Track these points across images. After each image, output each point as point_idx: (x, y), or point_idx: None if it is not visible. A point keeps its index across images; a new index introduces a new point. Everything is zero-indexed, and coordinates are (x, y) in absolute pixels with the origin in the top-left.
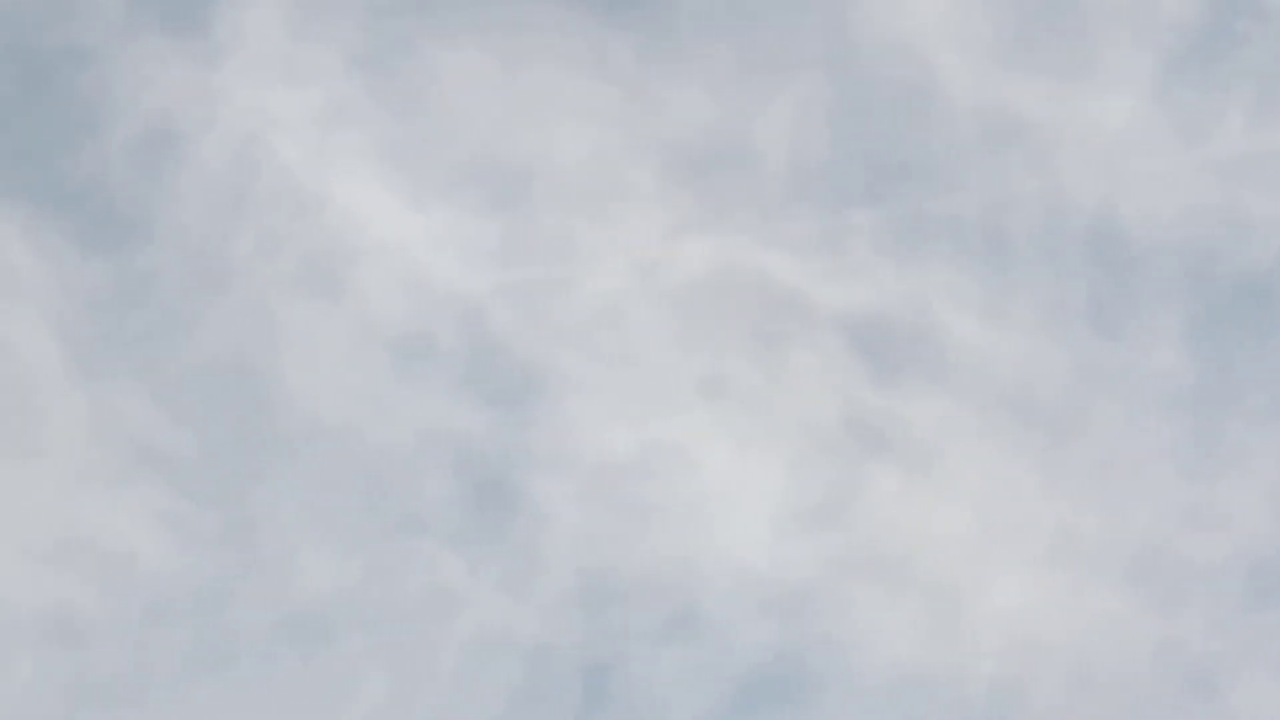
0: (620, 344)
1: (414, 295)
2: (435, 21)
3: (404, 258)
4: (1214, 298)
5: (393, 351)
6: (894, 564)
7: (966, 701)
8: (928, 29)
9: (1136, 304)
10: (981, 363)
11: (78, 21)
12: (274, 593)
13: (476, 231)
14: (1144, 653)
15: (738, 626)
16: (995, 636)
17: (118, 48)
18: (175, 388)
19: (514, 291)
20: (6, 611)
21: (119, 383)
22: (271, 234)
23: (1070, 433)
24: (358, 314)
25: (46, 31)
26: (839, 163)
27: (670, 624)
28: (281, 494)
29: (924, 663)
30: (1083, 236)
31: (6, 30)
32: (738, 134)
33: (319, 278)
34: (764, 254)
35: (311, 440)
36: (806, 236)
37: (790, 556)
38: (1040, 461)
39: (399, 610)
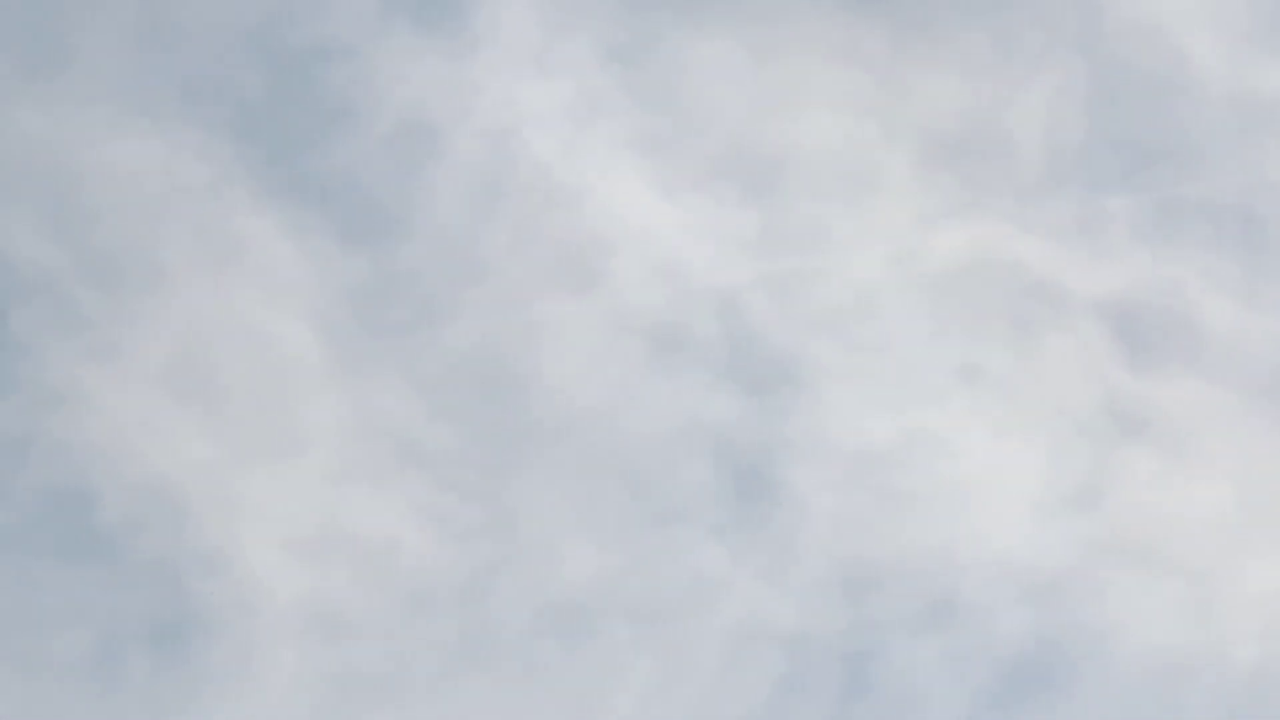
0: (876, 332)
1: (669, 286)
2: (687, 12)
3: (658, 249)
4: None
5: (649, 342)
6: (1151, 549)
7: (1225, 687)
8: (1181, 13)
9: None
10: (1238, 346)
11: (332, 18)
12: (535, 584)
13: (731, 221)
14: None
15: (995, 614)
16: (1254, 620)
17: (372, 43)
18: (433, 381)
19: (769, 281)
20: (270, 606)
21: (378, 377)
22: (527, 227)
23: None
24: (613, 306)
25: (301, 28)
26: (1094, 148)
27: (928, 612)
28: (541, 485)
29: (1182, 648)
30: None
31: (262, 28)
32: (992, 120)
33: (574, 270)
34: (1019, 240)
35: (569, 432)
36: (1062, 223)
37: (1048, 543)
38: None
39: (659, 600)
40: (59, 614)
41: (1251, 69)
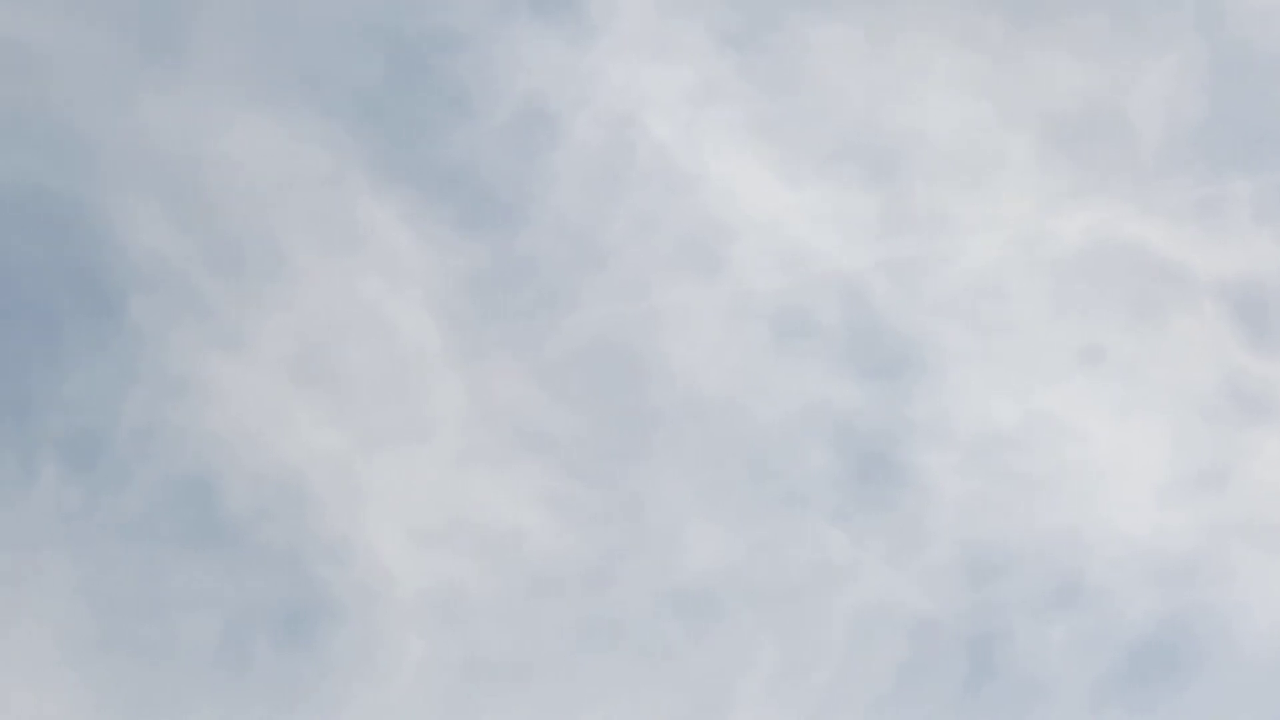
0: (999, 315)
1: (791, 271)
2: None
3: (780, 234)
4: None
5: (771, 327)
6: (1278, 530)
7: None
8: None
9: None
10: None
11: (451, 6)
12: (660, 569)
13: (852, 206)
14: None
15: (1121, 597)
16: None
17: (491, 31)
18: (556, 367)
19: (891, 265)
20: (396, 592)
21: (500, 363)
22: (647, 213)
23: None
24: (735, 291)
25: (420, 17)
26: (1215, 130)
27: (1054, 595)
28: (664, 471)
29: None
30: None
31: (380, 17)
32: (1112, 102)
33: (696, 256)
34: (1141, 222)
35: (693, 417)
36: (1183, 204)
37: (1173, 525)
38: None
39: (784, 585)
40: (186, 602)
41: None
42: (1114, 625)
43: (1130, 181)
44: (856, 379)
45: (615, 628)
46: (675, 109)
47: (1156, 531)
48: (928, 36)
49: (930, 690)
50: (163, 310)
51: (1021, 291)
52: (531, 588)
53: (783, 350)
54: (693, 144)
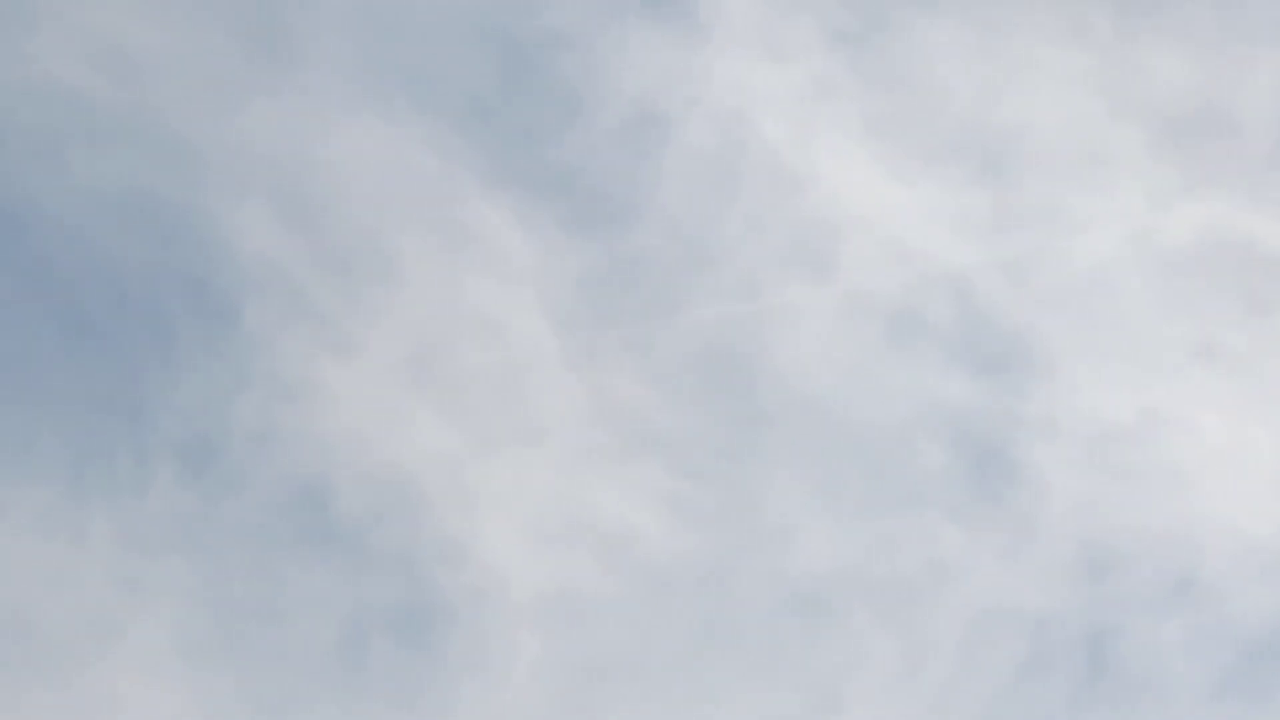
0: (1111, 311)
1: (902, 269)
2: None
3: (891, 232)
4: None
5: (883, 325)
6: None
7: None
8: None
9: None
10: None
11: (561, 7)
12: (774, 568)
13: (963, 203)
14: None
15: (1238, 592)
16: None
17: (600, 31)
18: (668, 367)
19: (1002, 261)
20: (513, 592)
21: (612, 364)
22: (758, 212)
23: None
24: (846, 290)
25: (529, 18)
26: None
27: (1170, 591)
28: (778, 470)
29: None
30: None
31: (490, 18)
32: (1221, 98)
33: (807, 255)
34: (1252, 218)
35: (806, 416)
36: None
37: None
38: None
39: (899, 583)
40: (301, 605)
41: None
42: (1230, 622)
43: (1241, 176)
44: (969, 376)
45: (730, 627)
46: (786, 108)
47: (1272, 527)
48: (1037, 33)
49: (1045, 688)
50: (275, 315)
51: (1133, 287)
52: (646, 588)
53: (895, 348)
54: (803, 143)
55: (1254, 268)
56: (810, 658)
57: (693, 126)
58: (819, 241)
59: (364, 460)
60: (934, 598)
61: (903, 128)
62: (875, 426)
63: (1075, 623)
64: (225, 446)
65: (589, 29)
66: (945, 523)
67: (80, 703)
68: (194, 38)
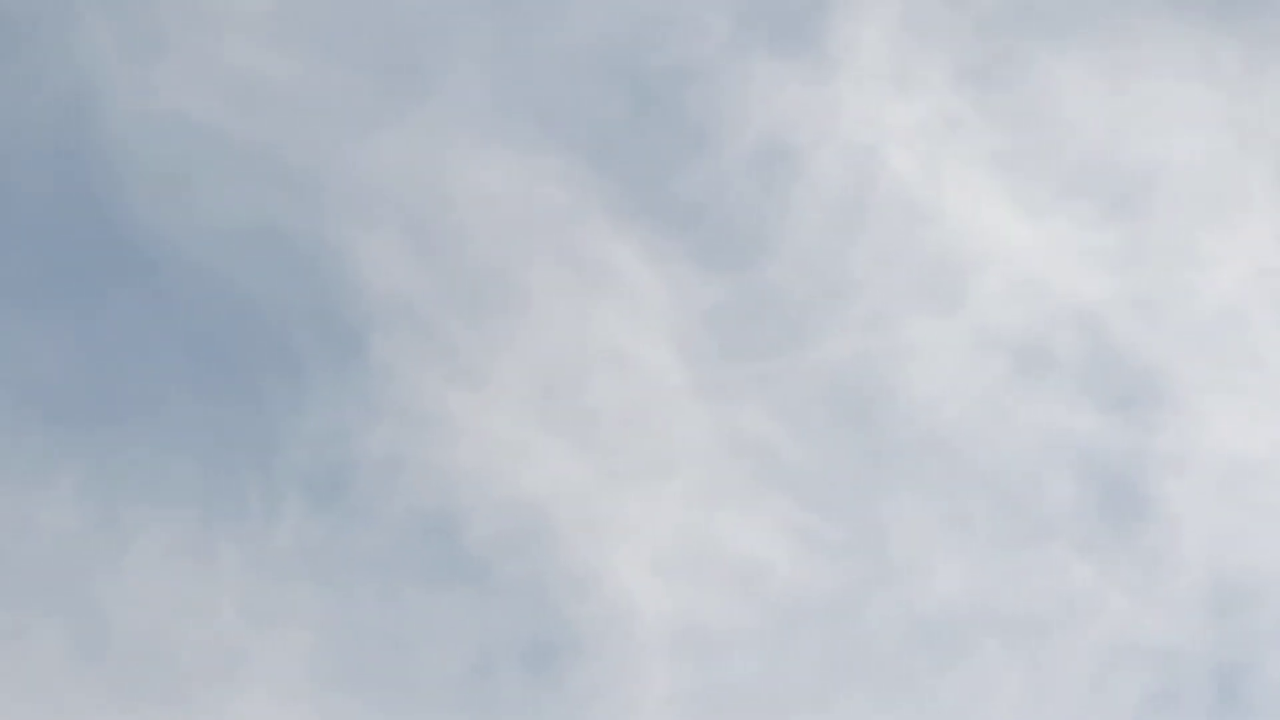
0: (1241, 346)
1: (1032, 303)
2: (1043, 32)
3: (1020, 266)
4: None
5: (1012, 359)
6: None
7: None
8: None
9: None
10: None
11: (690, 41)
12: (904, 601)
13: (1092, 238)
14: None
15: None
16: None
17: (728, 65)
18: (797, 401)
19: (1131, 297)
20: (642, 624)
21: (742, 398)
22: (888, 246)
23: None
24: (976, 323)
25: (659, 52)
26: None
27: None
28: (907, 503)
29: None
30: None
31: (620, 52)
32: None
33: (937, 288)
34: None
35: (935, 449)
36: None
37: None
38: None
39: (1029, 617)
40: (429, 635)
41: None
42: None
43: None
44: (1099, 410)
45: (859, 660)
46: (914, 142)
47: None
48: (1166, 68)
49: None
50: (403, 346)
51: (1264, 322)
52: (775, 621)
53: (1024, 382)
54: (933, 177)
55: None
56: (939, 691)
57: (821, 160)
58: (948, 276)
59: (492, 491)
60: (1063, 632)
61: (1031, 163)
62: (1004, 460)
63: (1205, 658)
64: (353, 477)
65: (718, 62)
66: (1075, 557)
67: None
68: (322, 69)
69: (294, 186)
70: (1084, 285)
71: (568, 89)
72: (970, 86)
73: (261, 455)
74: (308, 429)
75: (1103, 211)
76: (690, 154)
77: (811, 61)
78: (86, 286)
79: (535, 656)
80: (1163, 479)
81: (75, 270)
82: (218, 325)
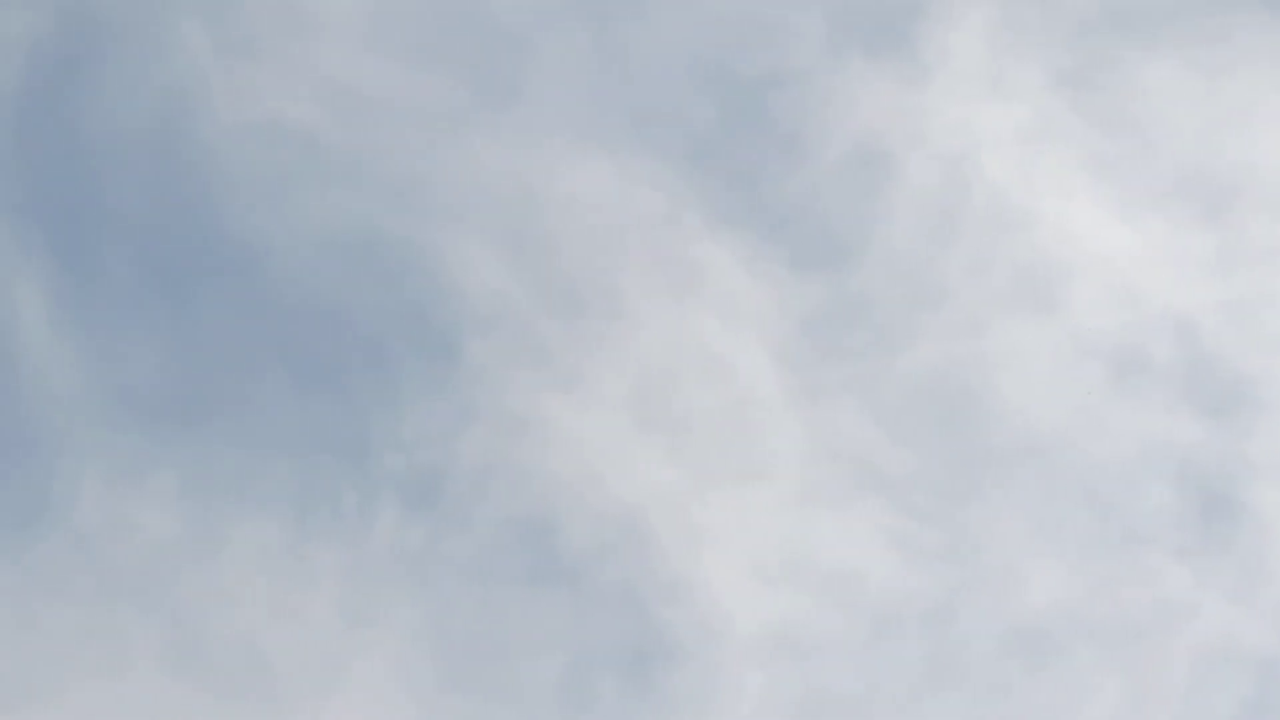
0: None
1: (1127, 309)
2: (1138, 36)
3: (1116, 271)
4: None
5: (1107, 365)
6: None
7: None
8: None
9: None
10: None
11: (783, 46)
12: (999, 607)
13: (1188, 243)
14: None
15: None
16: None
17: (823, 71)
18: (892, 406)
19: (1228, 303)
20: (737, 629)
21: (836, 403)
22: (982, 251)
23: None
24: (1071, 329)
25: (752, 58)
26: None
27: None
28: (1002, 509)
29: None
30: None
31: (713, 58)
32: None
33: (1031, 294)
34: None
35: (1029, 455)
36: None
37: None
38: None
39: (1124, 623)
40: (525, 640)
41: None
42: None
43: None
44: (1194, 416)
45: (955, 665)
46: (1009, 147)
47: None
48: (1259, 74)
49: None
50: (500, 351)
51: None
52: (871, 626)
53: (1119, 388)
54: (1027, 182)
55: None
56: (1034, 696)
57: (916, 165)
58: (1042, 281)
59: (588, 496)
60: (1159, 637)
61: (1125, 168)
62: (1100, 466)
63: None
64: (450, 482)
65: (813, 68)
66: (1170, 563)
67: None
68: (419, 75)
69: (390, 191)
70: (1180, 290)
71: (662, 94)
72: (1064, 91)
73: (357, 459)
74: (403, 433)
75: (1198, 216)
76: (784, 159)
77: (905, 66)
78: (185, 290)
79: (629, 662)
80: (1259, 485)
81: (174, 274)
82: (314, 329)
